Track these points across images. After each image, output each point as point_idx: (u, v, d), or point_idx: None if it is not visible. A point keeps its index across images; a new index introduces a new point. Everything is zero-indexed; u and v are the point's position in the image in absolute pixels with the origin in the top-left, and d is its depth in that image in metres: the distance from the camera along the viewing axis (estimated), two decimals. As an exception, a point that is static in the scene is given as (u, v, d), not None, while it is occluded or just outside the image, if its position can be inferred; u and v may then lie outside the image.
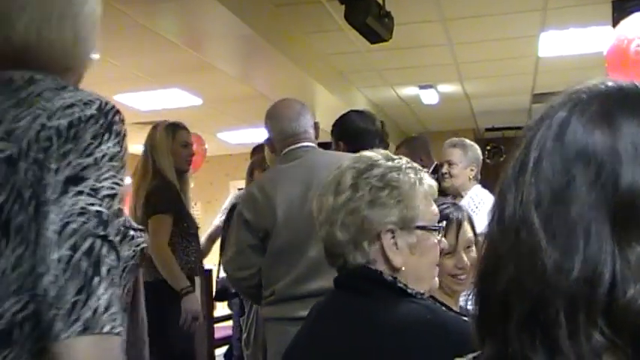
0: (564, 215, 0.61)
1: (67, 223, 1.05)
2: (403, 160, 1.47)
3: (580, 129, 0.64)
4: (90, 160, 1.09)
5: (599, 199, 0.61)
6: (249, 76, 6.40)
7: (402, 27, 4.74)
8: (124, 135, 1.17)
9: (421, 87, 7.86)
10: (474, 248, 1.97)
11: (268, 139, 2.92)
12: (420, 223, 1.41)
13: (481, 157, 3.80)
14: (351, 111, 3.59)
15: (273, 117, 2.85)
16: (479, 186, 3.70)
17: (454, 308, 1.92)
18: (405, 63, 6.85)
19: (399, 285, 1.38)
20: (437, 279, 1.49)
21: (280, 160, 2.80)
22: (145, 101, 7.47)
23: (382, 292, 1.37)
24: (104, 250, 1.06)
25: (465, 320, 1.72)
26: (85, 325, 1.01)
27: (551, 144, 0.65)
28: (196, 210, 8.10)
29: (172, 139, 3.69)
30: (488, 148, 11.48)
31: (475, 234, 2.01)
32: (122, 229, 1.16)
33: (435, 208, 1.46)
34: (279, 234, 2.61)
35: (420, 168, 1.48)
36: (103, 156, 1.11)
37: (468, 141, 3.81)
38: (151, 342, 1.76)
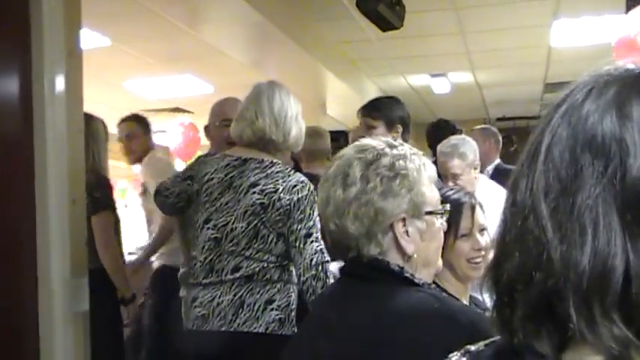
0: (571, 207, 0.59)
1: (312, 258, 2.37)
2: (406, 147, 1.47)
3: (592, 116, 0.61)
4: (311, 222, 2.40)
5: (607, 191, 0.58)
6: (260, 63, 6.39)
7: (413, 15, 4.72)
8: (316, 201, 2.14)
9: (432, 76, 7.84)
10: (487, 232, 2.00)
11: None
12: (428, 209, 1.42)
13: (475, 146, 3.47)
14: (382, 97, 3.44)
15: None
16: (482, 177, 3.57)
17: (463, 297, 1.94)
18: (417, 51, 6.82)
19: (406, 274, 1.38)
20: (440, 261, 1.51)
21: None
22: (155, 88, 7.46)
23: (389, 280, 1.38)
24: (327, 265, 2.37)
25: (473, 309, 1.72)
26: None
27: (563, 131, 0.62)
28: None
29: (106, 134, 3.62)
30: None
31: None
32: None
33: (437, 192, 1.47)
34: None
35: (418, 152, 1.47)
36: (314, 219, 2.39)
37: (461, 141, 3.46)
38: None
